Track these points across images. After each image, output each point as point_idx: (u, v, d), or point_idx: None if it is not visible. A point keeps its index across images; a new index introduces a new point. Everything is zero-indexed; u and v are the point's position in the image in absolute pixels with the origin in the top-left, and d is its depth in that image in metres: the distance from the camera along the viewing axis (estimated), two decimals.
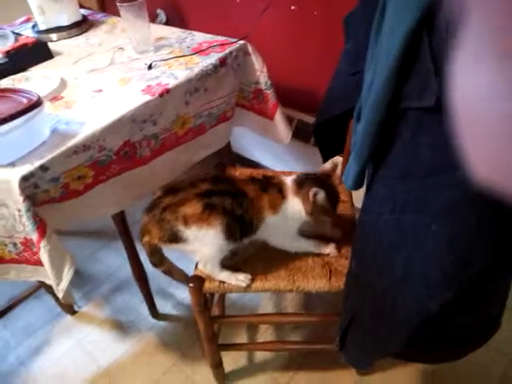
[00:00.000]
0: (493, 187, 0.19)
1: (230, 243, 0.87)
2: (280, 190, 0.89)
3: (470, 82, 0.18)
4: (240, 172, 1.24)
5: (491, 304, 0.74)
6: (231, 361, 1.28)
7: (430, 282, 0.62)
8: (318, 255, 0.98)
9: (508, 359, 1.21)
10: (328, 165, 0.92)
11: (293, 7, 1.40)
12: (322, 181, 0.90)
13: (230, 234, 0.85)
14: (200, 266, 0.93)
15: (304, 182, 0.89)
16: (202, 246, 0.86)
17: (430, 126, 0.54)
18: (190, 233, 0.84)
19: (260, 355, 1.30)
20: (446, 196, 0.55)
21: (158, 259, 0.93)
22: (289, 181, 0.91)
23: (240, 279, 0.93)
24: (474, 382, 1.18)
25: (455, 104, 0.19)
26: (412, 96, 0.54)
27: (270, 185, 0.90)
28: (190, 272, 0.97)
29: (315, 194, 0.85)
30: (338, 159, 1.00)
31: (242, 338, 1.35)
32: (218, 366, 1.19)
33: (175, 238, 0.85)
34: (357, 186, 0.78)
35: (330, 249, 0.97)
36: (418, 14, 0.51)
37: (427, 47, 0.51)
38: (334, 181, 0.94)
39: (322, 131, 1.05)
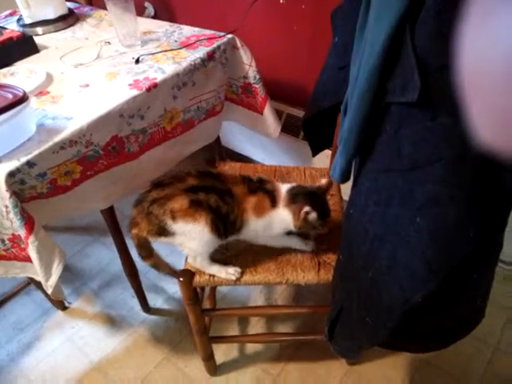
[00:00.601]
0: (500, 150, 0.19)
1: (216, 239, 0.88)
2: (272, 196, 0.89)
3: (481, 37, 0.18)
4: (230, 166, 1.24)
5: (475, 295, 0.76)
6: (222, 353, 1.29)
7: (414, 274, 0.63)
8: None
9: (492, 349, 1.24)
10: (324, 181, 0.92)
11: (281, 1, 1.40)
12: (316, 197, 0.90)
13: (216, 230, 0.86)
14: (189, 260, 0.94)
15: (297, 196, 0.88)
16: (190, 240, 0.87)
17: (413, 121, 0.55)
18: (177, 227, 0.84)
19: (251, 347, 1.32)
20: (428, 189, 0.56)
21: (146, 252, 0.93)
22: (283, 190, 0.90)
23: (230, 272, 0.93)
24: (460, 371, 1.21)
25: (463, 64, 0.19)
26: (395, 91, 0.55)
27: (261, 189, 0.89)
28: (181, 266, 0.98)
29: (307, 213, 0.85)
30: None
31: (233, 330, 1.36)
32: (209, 358, 1.20)
33: (163, 232, 0.85)
34: (344, 179, 0.79)
35: (310, 246, 0.98)
36: (401, 9, 0.51)
37: (410, 43, 0.52)
38: (327, 197, 0.94)
39: (311, 125, 1.06)
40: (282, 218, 0.88)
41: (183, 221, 0.84)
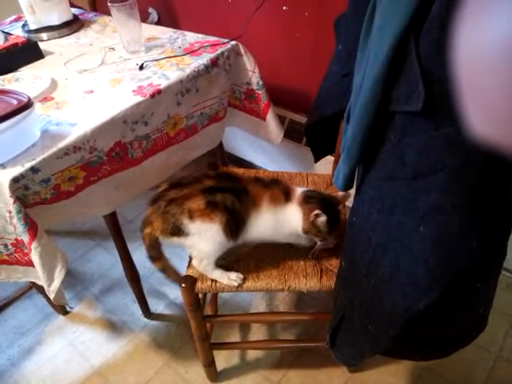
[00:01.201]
0: (496, 145, 0.20)
1: (229, 241, 0.88)
2: (286, 193, 0.90)
3: (479, 31, 0.18)
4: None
5: (478, 303, 0.76)
6: (224, 359, 1.29)
7: (416, 282, 0.63)
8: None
9: (494, 357, 1.24)
10: (341, 193, 0.93)
11: (284, 8, 1.40)
12: (330, 204, 0.91)
13: (230, 230, 0.86)
14: (194, 263, 0.94)
15: (312, 199, 0.90)
16: (202, 241, 0.87)
17: (417, 130, 0.55)
18: (193, 227, 0.85)
19: (252, 354, 1.31)
20: (432, 198, 0.56)
21: (156, 254, 0.93)
22: (298, 190, 0.92)
23: (232, 278, 0.93)
24: (462, 378, 1.20)
25: (459, 61, 0.19)
26: (399, 100, 0.55)
27: (276, 185, 0.92)
28: (182, 272, 0.98)
29: (317, 216, 0.86)
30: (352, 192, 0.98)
31: (234, 336, 1.35)
32: (210, 364, 1.20)
33: (178, 231, 0.86)
34: (347, 187, 0.79)
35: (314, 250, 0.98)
36: (406, 18, 0.52)
37: (414, 52, 0.52)
38: (340, 209, 0.95)
39: (314, 131, 1.06)
40: (293, 215, 0.89)
41: (200, 220, 0.84)
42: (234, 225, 0.87)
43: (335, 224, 0.90)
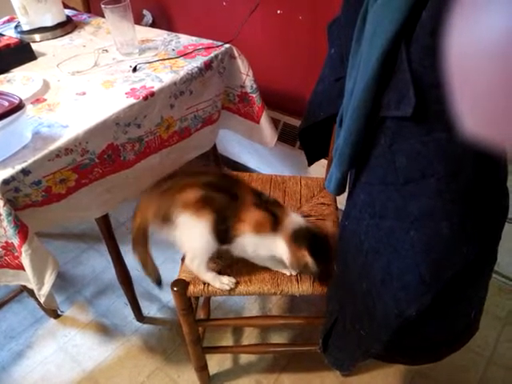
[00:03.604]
0: (487, 142, 0.20)
1: (215, 242, 0.87)
2: (277, 222, 0.86)
3: (469, 32, 0.18)
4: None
5: (469, 308, 0.76)
6: (216, 363, 1.28)
7: (408, 287, 0.63)
8: None
9: (486, 360, 1.24)
10: (329, 223, 0.92)
11: (278, 11, 1.41)
12: (320, 243, 0.87)
13: (216, 232, 0.85)
14: (186, 262, 0.92)
15: (302, 237, 0.85)
16: (190, 235, 0.87)
17: (407, 135, 0.55)
18: (182, 218, 0.84)
19: (245, 357, 1.31)
20: (422, 203, 0.57)
21: (141, 242, 0.91)
22: (290, 223, 0.87)
23: (224, 282, 0.93)
24: (454, 382, 1.21)
25: (451, 61, 0.19)
26: (390, 105, 0.55)
27: (272, 209, 0.87)
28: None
29: (306, 261, 0.84)
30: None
31: (227, 340, 1.35)
32: (202, 368, 1.19)
33: (168, 219, 0.85)
34: (339, 191, 0.79)
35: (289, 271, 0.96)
36: (397, 25, 0.52)
37: (405, 58, 0.52)
38: (331, 243, 0.90)
39: (307, 135, 1.06)
40: (278, 248, 0.87)
41: (189, 213, 0.84)
42: (222, 229, 0.85)
43: (326, 261, 0.87)
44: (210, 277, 0.93)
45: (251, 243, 0.87)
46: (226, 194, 0.86)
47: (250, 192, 0.89)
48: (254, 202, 0.86)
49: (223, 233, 0.86)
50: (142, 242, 0.91)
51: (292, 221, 0.88)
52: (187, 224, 0.85)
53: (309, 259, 0.84)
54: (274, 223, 0.86)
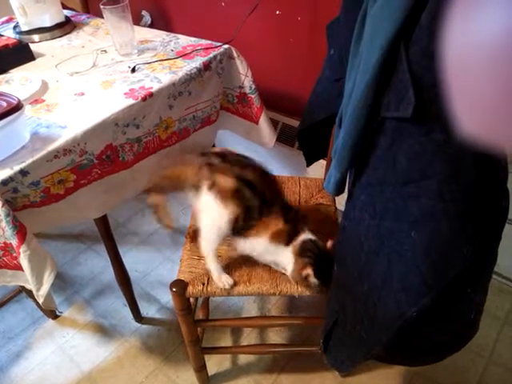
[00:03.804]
0: (484, 142, 0.20)
1: (226, 231, 0.88)
2: (293, 235, 0.88)
3: (467, 33, 0.18)
4: None
5: (469, 309, 0.76)
6: (215, 364, 1.28)
7: (408, 288, 0.63)
8: None
9: (486, 361, 1.24)
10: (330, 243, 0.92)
11: (277, 12, 1.41)
12: (326, 261, 0.88)
13: (234, 225, 0.86)
14: (202, 235, 0.92)
15: (308, 252, 0.87)
16: (210, 217, 0.88)
17: (407, 136, 0.55)
18: (211, 198, 0.85)
19: (244, 358, 1.30)
20: (423, 204, 0.56)
21: (162, 191, 0.93)
22: (301, 236, 0.89)
23: (223, 279, 0.93)
24: (453, 383, 1.21)
25: (449, 61, 0.19)
26: (390, 106, 0.55)
27: (293, 221, 0.89)
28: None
29: (308, 275, 0.86)
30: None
31: (225, 341, 1.35)
32: (201, 369, 1.19)
33: (197, 189, 0.87)
34: (338, 191, 0.79)
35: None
36: (396, 26, 0.52)
37: (405, 59, 0.52)
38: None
39: (306, 135, 1.06)
40: (284, 258, 0.89)
41: (216, 197, 0.85)
42: (240, 225, 0.86)
43: (328, 280, 0.88)
44: (213, 266, 0.93)
45: (262, 247, 0.89)
46: (259, 197, 0.86)
47: (282, 202, 0.91)
48: (281, 214, 0.88)
49: (240, 228, 0.87)
50: (161, 191, 0.93)
51: (305, 236, 0.89)
52: (212, 206, 0.86)
53: (311, 276, 0.85)
54: (291, 236, 0.88)
